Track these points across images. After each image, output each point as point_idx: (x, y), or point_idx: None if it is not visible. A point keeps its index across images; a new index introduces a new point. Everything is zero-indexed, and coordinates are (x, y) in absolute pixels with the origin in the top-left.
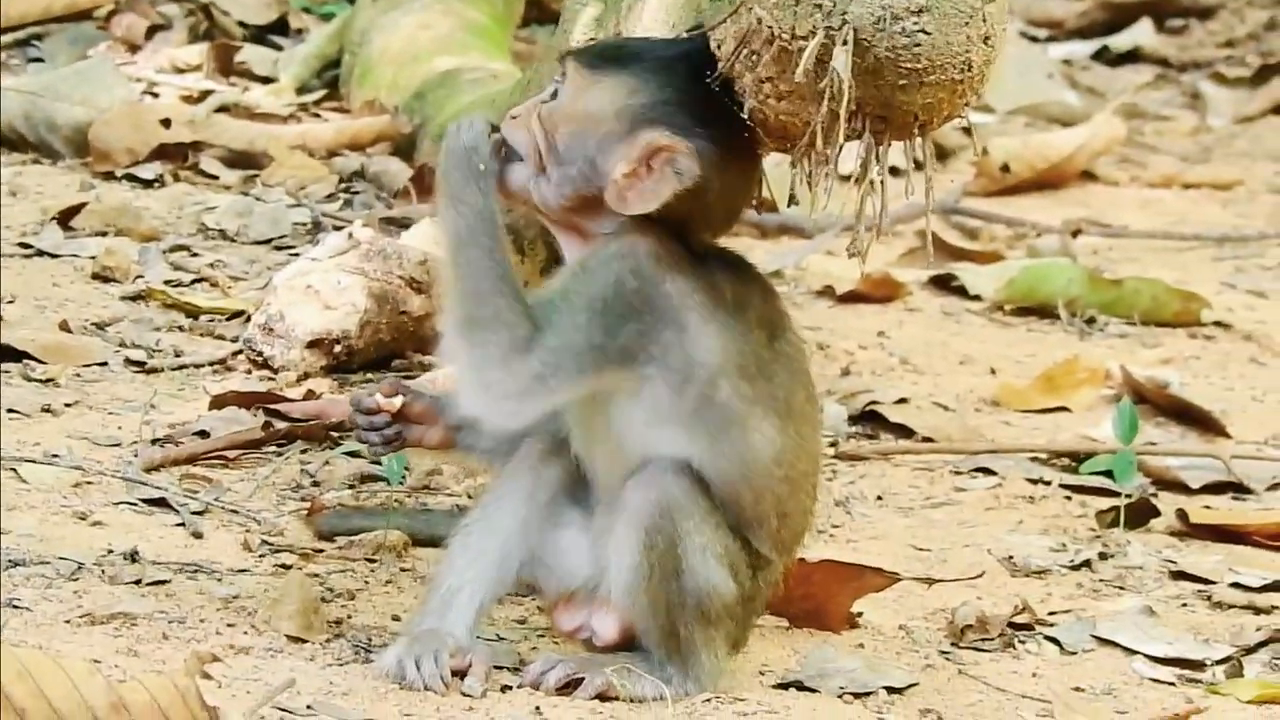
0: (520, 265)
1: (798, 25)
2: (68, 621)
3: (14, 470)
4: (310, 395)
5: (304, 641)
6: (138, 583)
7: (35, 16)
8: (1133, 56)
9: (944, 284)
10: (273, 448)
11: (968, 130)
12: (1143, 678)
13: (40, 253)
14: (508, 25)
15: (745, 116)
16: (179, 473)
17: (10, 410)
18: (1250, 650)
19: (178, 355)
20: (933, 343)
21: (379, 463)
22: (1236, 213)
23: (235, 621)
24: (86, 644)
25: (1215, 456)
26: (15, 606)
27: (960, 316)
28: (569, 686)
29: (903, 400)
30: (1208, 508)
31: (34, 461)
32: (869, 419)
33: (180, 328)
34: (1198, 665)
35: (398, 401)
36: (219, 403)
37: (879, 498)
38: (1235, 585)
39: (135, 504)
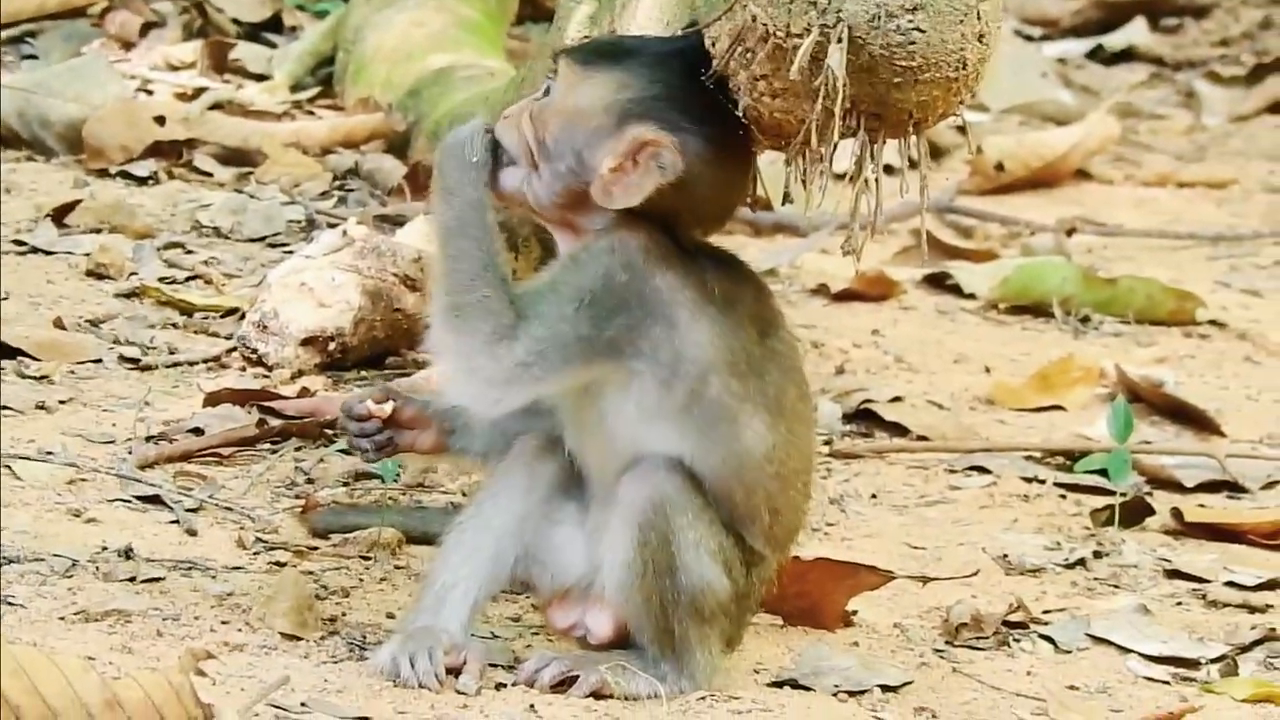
0: (514, 262)
1: (792, 23)
2: (62, 618)
3: (8, 467)
4: (304, 392)
5: (298, 639)
6: (132, 580)
7: (30, 13)
8: (1127, 55)
9: (939, 282)
10: (267, 445)
11: (962, 128)
12: (1137, 676)
13: (34, 250)
14: (501, 23)
15: (740, 114)
16: (173, 470)
17: (4, 407)
18: (1245, 649)
19: (172, 352)
20: (927, 341)
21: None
22: (1231, 212)
23: (230, 619)
24: (81, 641)
25: (1210, 455)
26: (10, 603)
27: (955, 315)
28: (563, 684)
29: (897, 399)
30: (1202, 506)
31: (28, 458)
32: (864, 417)
33: (174, 325)
34: (1192, 664)
35: (389, 407)
36: (213, 400)
37: (873, 496)
38: (1230, 584)
39: (130, 501)
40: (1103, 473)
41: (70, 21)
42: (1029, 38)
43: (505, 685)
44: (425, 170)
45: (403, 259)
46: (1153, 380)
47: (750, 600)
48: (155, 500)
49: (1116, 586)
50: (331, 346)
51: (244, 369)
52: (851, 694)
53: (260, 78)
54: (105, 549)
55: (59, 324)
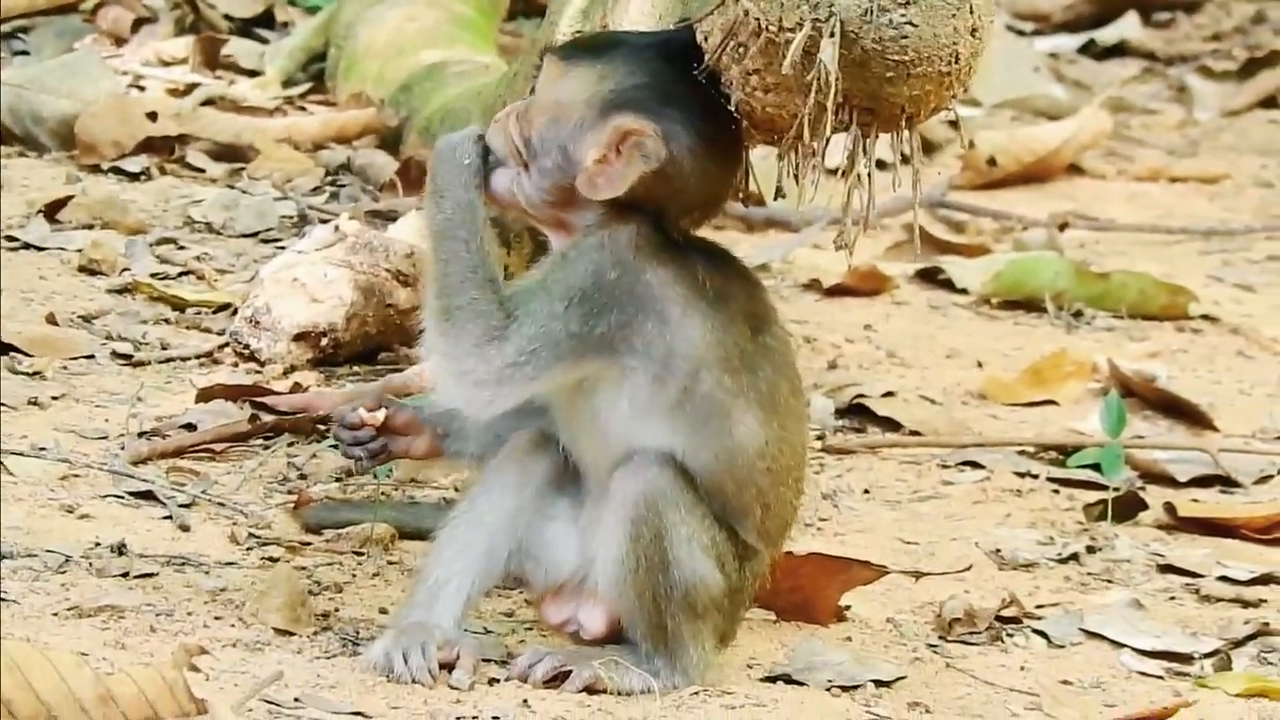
0: (507, 258)
1: (785, 17)
2: (55, 614)
3: (1, 463)
4: (297, 388)
5: (291, 634)
6: (125, 575)
7: (21, 9)
8: (1119, 50)
9: (931, 277)
10: (260, 440)
11: (954, 123)
12: (1131, 671)
13: (27, 245)
14: (494, 18)
15: (732, 109)
16: (166, 465)
17: None
18: (1238, 643)
19: (164, 348)
20: (920, 336)
21: None
22: (1223, 206)
23: (223, 614)
24: (74, 636)
25: (1203, 450)
26: (3, 599)
27: (947, 310)
28: (556, 679)
29: (890, 394)
30: (1195, 501)
31: (21, 454)
32: (856, 412)
33: (167, 321)
34: (1186, 658)
35: (381, 415)
36: (206, 395)
37: (866, 491)
38: (1223, 579)
39: (122, 497)
40: (1096, 467)
41: (62, 17)
42: (1021, 32)
43: (498, 680)
44: (417, 165)
45: (395, 254)
46: (1145, 375)
47: (743, 595)
48: (148, 496)
49: (1110, 581)
50: (324, 342)
51: (236, 365)
52: (844, 689)
53: (252, 73)
54: (98, 544)
55: (51, 320)
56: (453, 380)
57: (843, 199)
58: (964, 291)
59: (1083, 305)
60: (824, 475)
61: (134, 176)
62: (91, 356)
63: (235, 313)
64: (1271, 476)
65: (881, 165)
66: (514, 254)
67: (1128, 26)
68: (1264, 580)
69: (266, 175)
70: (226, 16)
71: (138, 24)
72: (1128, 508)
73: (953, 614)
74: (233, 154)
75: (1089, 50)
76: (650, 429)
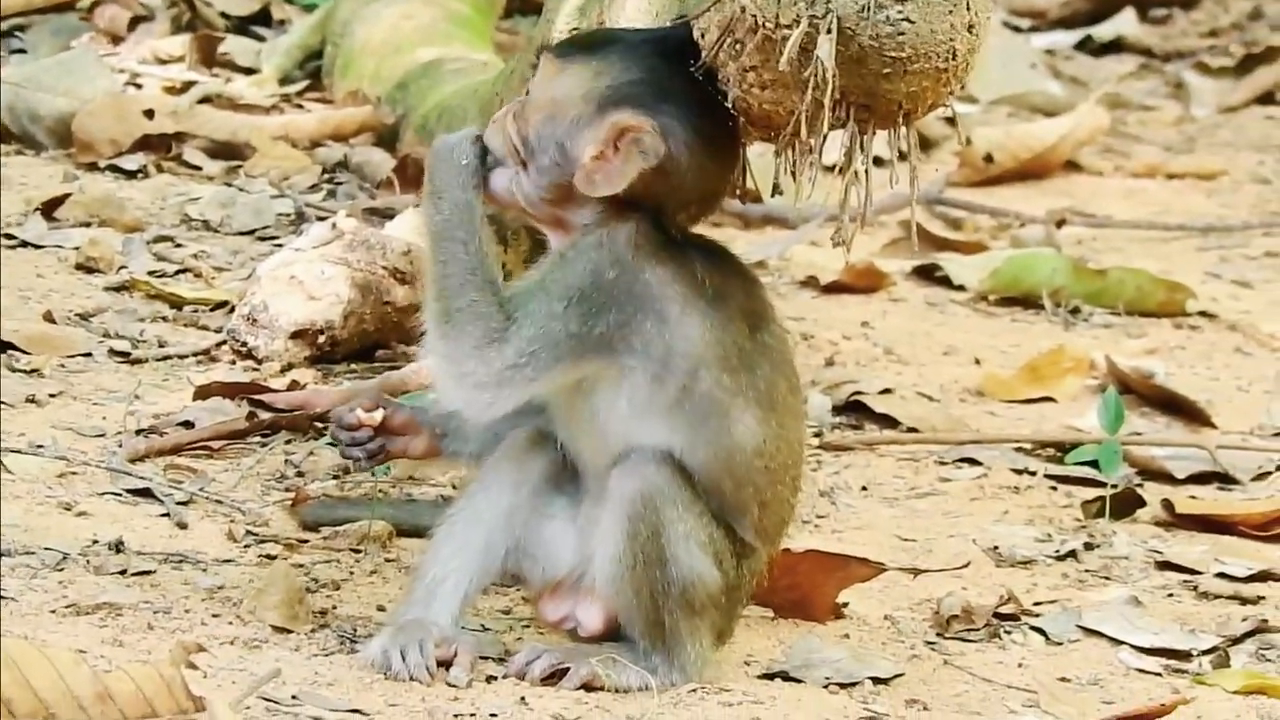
0: (503, 255)
1: (781, 14)
2: (53, 611)
3: None
4: (294, 386)
5: (289, 632)
6: (123, 573)
7: (19, 7)
8: (1116, 46)
9: (928, 274)
10: (257, 438)
11: (952, 120)
12: (1129, 668)
13: (24, 244)
14: (490, 15)
15: (730, 106)
16: (163, 463)
17: None
18: (1236, 640)
19: (162, 346)
20: (917, 333)
21: None
22: (1220, 203)
23: (220, 612)
24: (72, 634)
25: (1201, 446)
26: (1, 597)
27: (944, 307)
28: (554, 676)
29: (887, 391)
30: (1193, 498)
31: (19, 452)
32: (853, 409)
33: (164, 318)
34: (1184, 655)
35: (379, 415)
36: (203, 393)
37: (864, 488)
38: (1221, 575)
39: (120, 494)
40: (1093, 464)
41: (59, 15)
42: (1018, 29)
43: (496, 678)
44: (414, 163)
45: (392, 252)
46: (1143, 371)
47: (741, 592)
48: (146, 493)
49: (1107, 578)
50: (321, 339)
51: (234, 362)
52: (842, 686)
53: (249, 71)
54: (96, 542)
55: (49, 318)
56: (453, 383)
57: (840, 196)
58: (961, 288)
59: (1080, 302)
60: (821, 472)
61: (131, 174)
62: (89, 354)
63: (233, 310)
64: (1269, 473)
65: (879, 162)
66: (511, 251)
67: (1124, 23)
68: (1262, 577)
69: (263, 173)
70: (223, 14)
71: (134, 22)
72: (1125, 504)
73: (950, 611)
74: (230, 152)
75: (1086, 46)
76: (649, 427)
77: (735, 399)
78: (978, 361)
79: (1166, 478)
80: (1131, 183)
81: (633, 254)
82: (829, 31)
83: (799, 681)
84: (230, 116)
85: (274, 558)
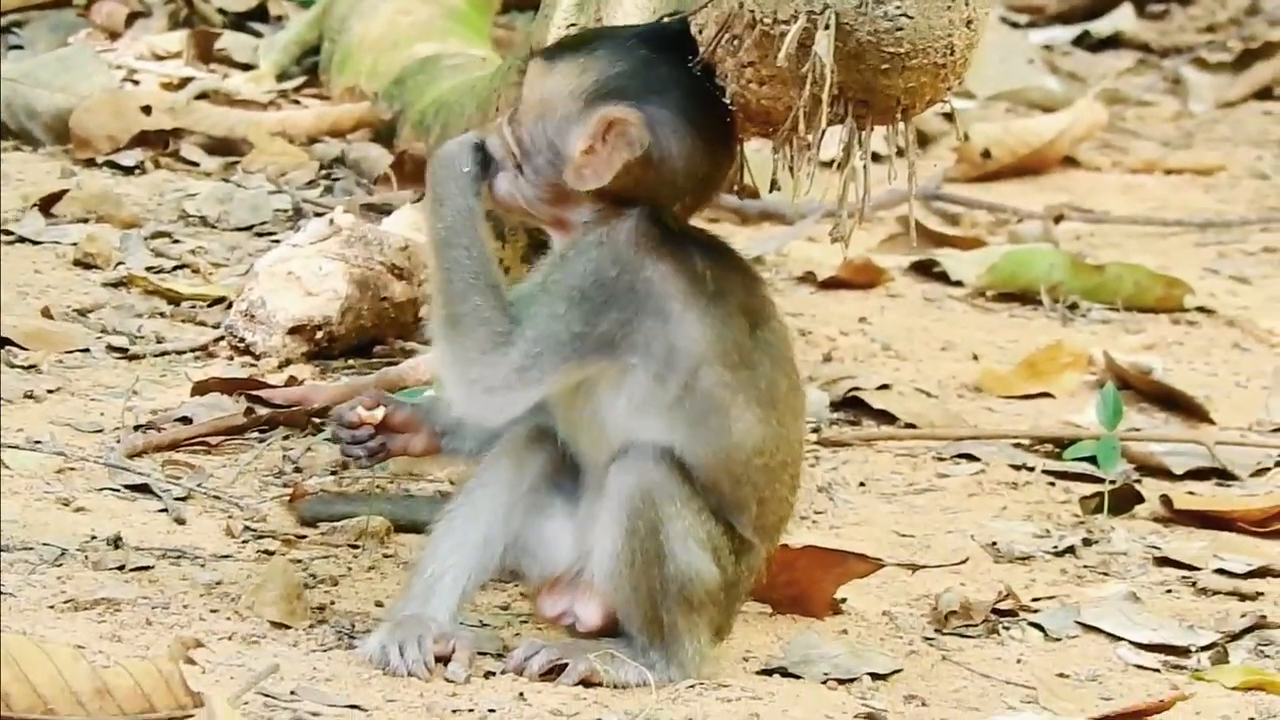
0: (501, 251)
1: (779, 9)
2: (51, 607)
3: None
4: (292, 381)
5: (287, 627)
6: (121, 569)
7: (16, 4)
8: (1114, 42)
9: (926, 270)
10: (255, 434)
11: (949, 116)
12: (1127, 664)
13: (22, 239)
14: (487, 11)
15: (727, 101)
16: (161, 459)
17: None
18: (1235, 636)
19: (159, 342)
20: (914, 329)
21: None
22: (1218, 198)
23: (218, 607)
24: (70, 630)
25: (1199, 442)
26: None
27: (942, 302)
28: (552, 672)
29: (885, 386)
30: (1192, 494)
31: (17, 448)
32: (851, 405)
33: (162, 314)
34: (1182, 651)
35: (379, 413)
36: (201, 389)
37: (862, 484)
38: (1220, 571)
39: (118, 490)
40: (1092, 460)
41: (56, 11)
42: (1015, 24)
43: (494, 674)
44: (411, 159)
45: (390, 247)
46: (1141, 367)
47: (739, 588)
48: (144, 489)
49: (1106, 574)
50: (319, 335)
51: (231, 358)
52: (841, 682)
53: (246, 67)
54: (94, 538)
55: (47, 313)
56: (461, 389)
57: (838, 192)
58: (959, 284)
59: (1078, 297)
60: (819, 468)
61: (128, 170)
62: (87, 350)
63: (230, 306)
64: (1268, 469)
65: (876, 158)
66: (509, 248)
67: (1122, 18)
68: (1260, 573)
69: (261, 169)
70: (220, 10)
71: (132, 18)
72: (1124, 500)
73: (949, 607)
74: (227, 148)
75: (1083, 42)
76: (648, 424)
77: (736, 396)
78: (976, 357)
79: (1165, 473)
80: (1129, 178)
81: (633, 251)
82: (827, 27)
83: (797, 677)
84: (228, 112)
85: (272, 553)
